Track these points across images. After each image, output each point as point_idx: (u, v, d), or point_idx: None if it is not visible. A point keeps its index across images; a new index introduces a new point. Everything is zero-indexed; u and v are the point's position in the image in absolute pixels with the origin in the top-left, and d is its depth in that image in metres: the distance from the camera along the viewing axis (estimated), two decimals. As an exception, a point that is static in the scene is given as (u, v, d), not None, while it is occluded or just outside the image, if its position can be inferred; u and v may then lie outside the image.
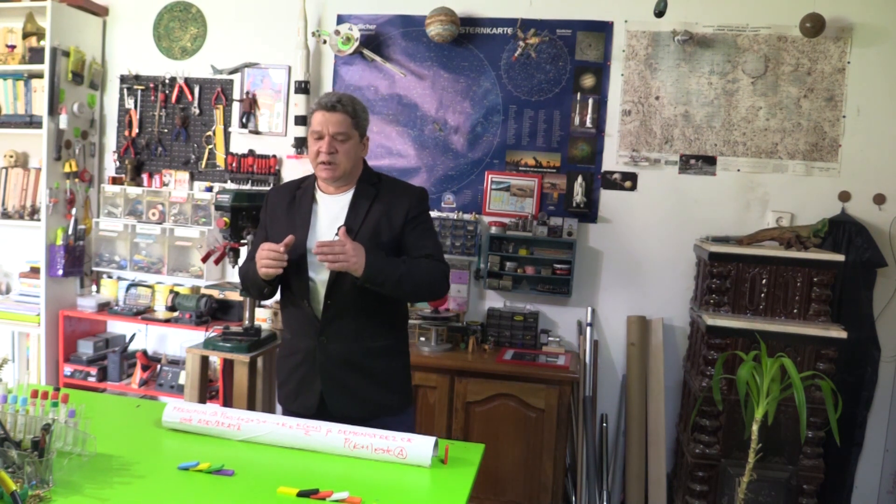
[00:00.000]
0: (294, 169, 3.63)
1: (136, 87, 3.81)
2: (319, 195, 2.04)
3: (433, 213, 3.44)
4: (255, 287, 2.02)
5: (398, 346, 2.08)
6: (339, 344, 1.95)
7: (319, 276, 1.95)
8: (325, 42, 3.54)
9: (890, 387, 3.16)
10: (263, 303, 3.51)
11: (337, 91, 2.03)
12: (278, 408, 3.54)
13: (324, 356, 1.95)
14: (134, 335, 3.72)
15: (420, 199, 2.05)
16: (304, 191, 2.06)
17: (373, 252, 1.87)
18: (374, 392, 1.98)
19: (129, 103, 3.81)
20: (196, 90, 3.74)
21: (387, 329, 2.03)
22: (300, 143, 3.56)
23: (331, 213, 2.00)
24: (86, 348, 3.65)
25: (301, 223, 1.99)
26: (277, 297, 2.10)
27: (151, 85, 3.80)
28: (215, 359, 3.37)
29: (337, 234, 1.88)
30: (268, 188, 3.61)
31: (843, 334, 2.71)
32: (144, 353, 3.64)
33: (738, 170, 3.25)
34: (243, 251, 3.02)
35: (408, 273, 1.90)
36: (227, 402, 3.25)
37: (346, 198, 2.00)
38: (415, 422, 2.13)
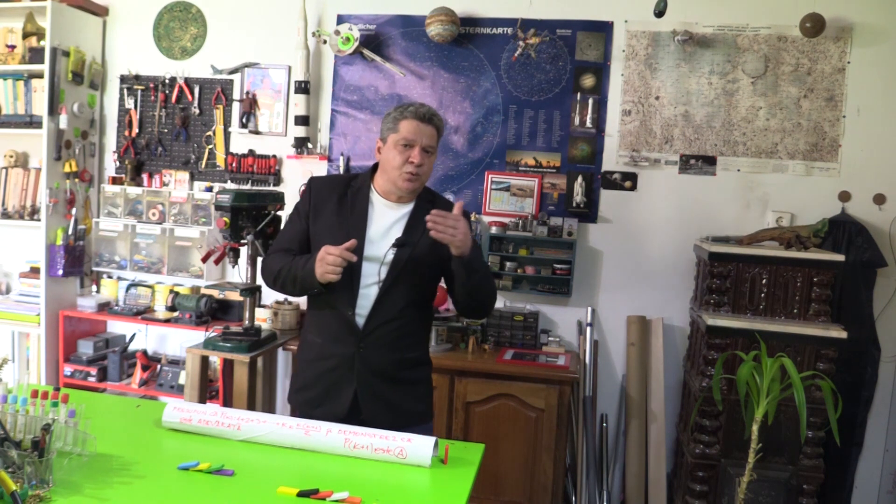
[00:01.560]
0: (294, 169, 3.63)
1: (136, 87, 3.81)
2: (377, 199, 1.98)
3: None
4: (300, 286, 1.91)
5: (426, 357, 2.08)
6: (378, 353, 1.92)
7: (370, 287, 1.91)
8: (325, 42, 3.54)
9: (890, 387, 3.16)
10: (264, 303, 3.51)
11: (420, 103, 1.97)
12: (279, 408, 3.57)
13: (362, 365, 1.92)
14: (134, 335, 3.71)
15: (471, 223, 2.03)
16: (357, 191, 1.98)
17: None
18: (406, 401, 1.97)
19: (129, 103, 3.81)
20: (196, 90, 3.74)
21: (421, 340, 2.04)
22: (300, 143, 3.56)
23: (386, 221, 1.95)
24: (86, 348, 3.65)
25: (356, 228, 1.92)
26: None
27: (151, 85, 3.80)
28: (215, 359, 3.37)
29: (425, 231, 1.79)
30: (268, 188, 3.61)
31: (843, 334, 2.71)
32: (144, 353, 3.64)
33: (738, 170, 3.25)
34: (243, 251, 3.01)
35: (489, 274, 1.99)
36: (227, 402, 3.25)
37: (403, 210, 1.96)
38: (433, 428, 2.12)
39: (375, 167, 2.03)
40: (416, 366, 2.01)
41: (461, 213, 1.82)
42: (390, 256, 1.90)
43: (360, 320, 1.91)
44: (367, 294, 1.91)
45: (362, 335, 1.91)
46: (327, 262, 1.78)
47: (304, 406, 2.00)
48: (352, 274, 1.88)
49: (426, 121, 1.90)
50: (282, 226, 3.17)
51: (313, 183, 2.05)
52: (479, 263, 1.91)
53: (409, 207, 1.98)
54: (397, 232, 1.94)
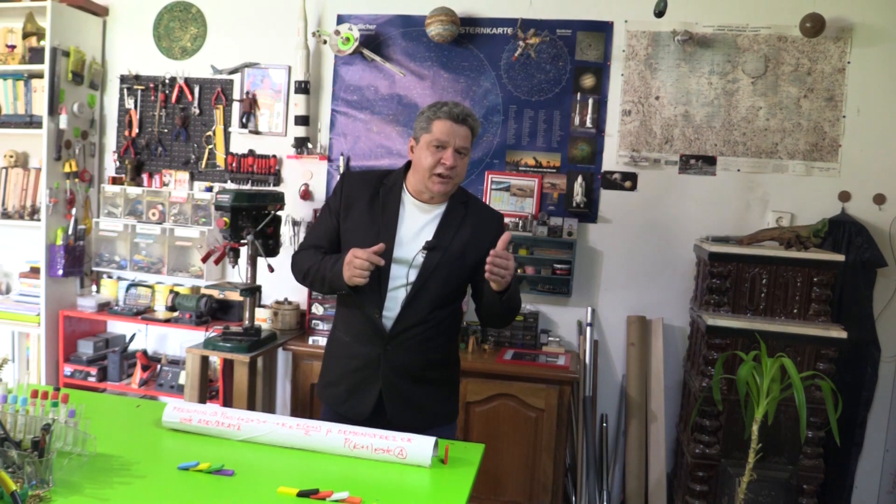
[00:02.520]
0: (294, 169, 3.63)
1: (136, 87, 3.81)
2: (408, 200, 1.95)
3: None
4: (328, 287, 1.90)
5: (454, 358, 2.06)
6: (404, 355, 1.91)
7: (398, 289, 1.90)
8: (325, 42, 3.54)
9: (890, 387, 3.16)
10: (263, 303, 3.51)
11: (454, 101, 1.93)
12: (279, 408, 3.57)
13: (387, 366, 1.91)
14: (134, 335, 3.71)
15: (502, 228, 2.01)
16: (389, 189, 1.95)
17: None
18: (432, 402, 1.97)
19: (129, 103, 3.81)
20: (196, 90, 3.74)
21: (447, 342, 2.01)
22: (300, 143, 3.56)
23: (417, 223, 1.92)
24: (86, 348, 3.65)
25: (386, 228, 1.90)
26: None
27: (151, 85, 3.80)
28: (215, 359, 3.37)
29: (501, 250, 1.74)
30: (268, 188, 3.61)
31: (843, 334, 2.71)
32: (144, 353, 3.64)
33: (738, 170, 3.25)
34: (243, 251, 3.01)
35: (516, 293, 1.89)
36: (227, 402, 3.25)
37: (436, 211, 1.94)
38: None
39: (408, 165, 1.99)
40: (443, 366, 2.00)
41: (505, 244, 1.75)
42: (420, 259, 1.87)
43: (388, 322, 1.90)
44: (395, 297, 1.90)
45: (389, 337, 1.90)
46: (355, 265, 1.76)
47: (331, 401, 2.00)
48: (380, 276, 1.86)
49: (460, 121, 1.86)
50: (282, 226, 3.18)
51: (346, 179, 2.02)
52: (513, 290, 1.85)
53: (441, 209, 1.94)
54: (428, 234, 1.91)
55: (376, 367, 1.91)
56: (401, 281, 1.89)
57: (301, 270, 1.99)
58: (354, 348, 1.96)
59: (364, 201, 1.95)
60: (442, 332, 1.96)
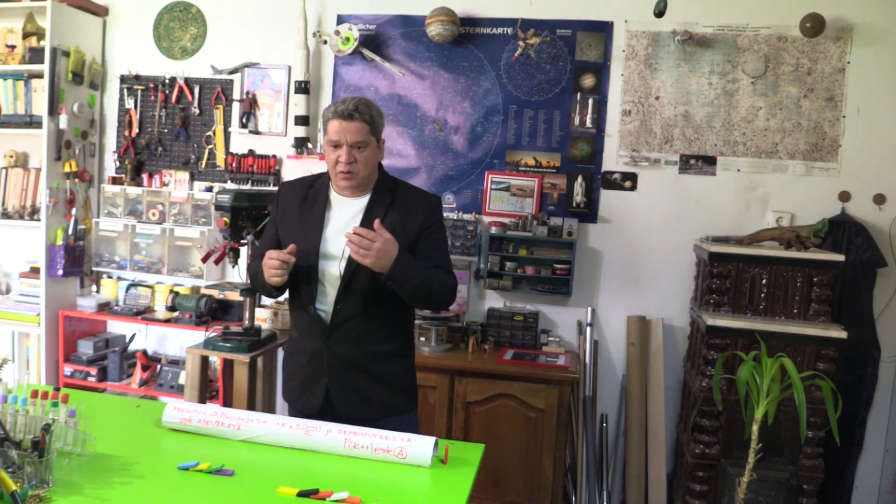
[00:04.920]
0: (294, 169, 3.63)
1: (136, 87, 3.81)
2: (334, 197, 2.01)
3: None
4: (263, 289, 2.01)
5: (404, 349, 2.07)
6: (347, 347, 1.95)
7: (330, 282, 1.94)
8: (325, 42, 3.54)
9: (890, 387, 3.16)
10: (263, 303, 3.51)
11: (352, 96, 1.95)
12: (278, 407, 3.57)
13: (331, 358, 1.95)
14: (134, 335, 3.71)
15: (435, 209, 2.03)
16: (317, 190, 2.02)
17: (404, 252, 1.85)
18: (380, 393, 1.98)
19: (129, 103, 3.81)
20: (196, 90, 3.74)
21: (393, 332, 2.02)
22: (300, 143, 3.56)
23: (344, 216, 1.98)
24: (86, 348, 3.65)
25: (313, 226, 1.97)
26: (285, 295, 2.10)
27: (151, 85, 3.80)
28: (215, 359, 3.37)
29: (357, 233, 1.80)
30: (268, 188, 3.61)
31: (843, 334, 2.71)
32: (144, 353, 3.64)
33: (738, 170, 3.25)
34: (243, 251, 3.02)
35: (428, 280, 1.89)
36: (227, 402, 3.25)
37: (361, 202, 1.98)
38: (419, 422, 2.12)
39: None
40: (390, 358, 2.00)
41: (381, 229, 1.81)
42: (347, 251, 1.91)
43: (326, 316, 1.95)
44: (329, 290, 1.95)
45: (329, 330, 1.94)
46: (268, 265, 1.86)
47: (289, 397, 2.10)
48: (310, 272, 1.94)
49: (347, 118, 1.89)
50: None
51: (281, 187, 2.13)
52: (409, 276, 1.84)
53: (366, 199, 1.99)
54: (354, 226, 1.95)
55: (321, 361, 1.96)
56: (333, 275, 1.94)
57: (250, 279, 2.15)
58: (302, 344, 2.03)
59: (296, 205, 2.03)
60: (387, 324, 1.98)
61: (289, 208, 2.05)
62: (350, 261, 1.90)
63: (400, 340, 2.05)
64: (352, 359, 1.95)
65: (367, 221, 1.93)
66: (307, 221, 1.99)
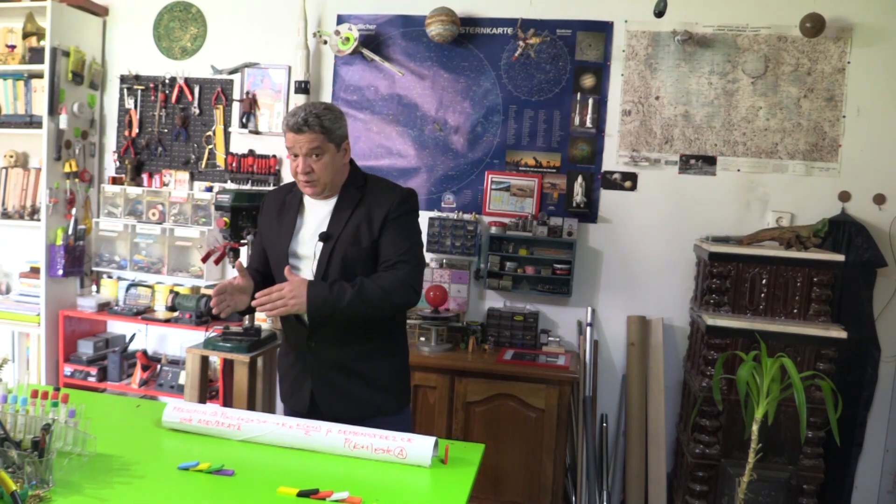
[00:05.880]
0: (294, 169, 3.63)
1: (136, 87, 3.81)
2: (307, 201, 2.03)
3: (433, 214, 3.44)
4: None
5: (392, 348, 2.06)
6: (328, 348, 1.96)
7: None
8: (325, 42, 3.54)
9: (890, 387, 3.16)
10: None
11: (305, 105, 1.95)
12: (278, 408, 3.56)
13: (315, 359, 1.97)
14: (134, 335, 3.71)
15: (403, 200, 1.97)
16: (293, 195, 2.05)
17: (317, 285, 1.84)
18: (366, 393, 1.97)
19: (129, 103, 3.81)
20: (196, 90, 3.74)
21: (376, 331, 1.99)
22: (300, 143, 3.56)
23: (316, 219, 1.99)
24: (86, 348, 3.65)
25: (286, 230, 2.00)
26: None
27: (151, 85, 3.80)
28: (215, 359, 3.37)
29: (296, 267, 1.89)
30: (268, 188, 3.61)
31: (843, 334, 2.71)
32: (144, 353, 3.64)
33: (738, 170, 3.25)
34: (243, 251, 3.02)
35: (357, 295, 1.83)
36: (227, 402, 3.25)
37: (330, 205, 1.99)
38: (412, 422, 2.12)
39: None
40: (376, 357, 1.99)
41: (290, 275, 1.85)
42: (319, 252, 1.94)
43: (305, 317, 1.95)
44: None
45: (310, 331, 1.95)
46: (212, 304, 1.92)
47: (283, 397, 2.13)
48: (281, 274, 1.94)
49: (297, 131, 1.88)
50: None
51: (264, 199, 2.17)
52: (331, 305, 1.83)
53: (335, 200, 2.00)
54: (325, 227, 1.97)
55: (305, 362, 1.99)
56: (307, 276, 1.94)
57: None
58: (288, 346, 2.07)
59: (275, 212, 2.07)
60: (369, 323, 1.95)
61: (270, 216, 2.08)
62: (322, 261, 1.93)
63: (385, 339, 2.03)
64: (335, 359, 1.96)
65: (333, 222, 1.95)
66: (281, 226, 2.02)
